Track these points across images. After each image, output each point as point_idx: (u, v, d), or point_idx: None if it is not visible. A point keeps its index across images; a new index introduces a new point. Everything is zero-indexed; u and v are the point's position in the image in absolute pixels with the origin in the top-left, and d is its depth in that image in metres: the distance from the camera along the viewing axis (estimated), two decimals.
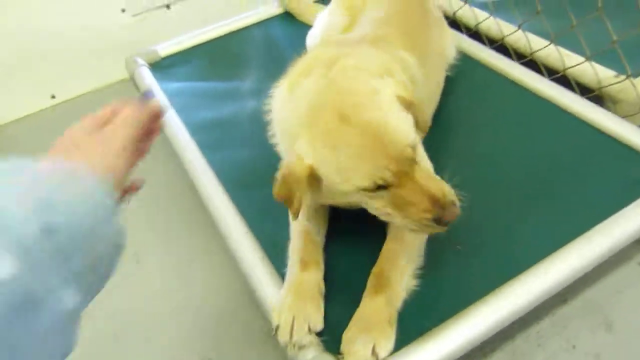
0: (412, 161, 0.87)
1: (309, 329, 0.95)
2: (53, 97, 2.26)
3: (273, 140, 1.14)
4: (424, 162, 0.93)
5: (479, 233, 1.16)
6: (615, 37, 1.35)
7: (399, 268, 1.03)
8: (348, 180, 0.87)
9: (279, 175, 0.94)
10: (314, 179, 0.90)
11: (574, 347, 1.16)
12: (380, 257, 1.05)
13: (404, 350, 0.94)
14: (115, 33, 2.21)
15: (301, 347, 0.95)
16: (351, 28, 1.47)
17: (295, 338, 0.94)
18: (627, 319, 1.19)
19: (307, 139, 0.89)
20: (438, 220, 0.86)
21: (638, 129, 1.29)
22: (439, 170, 1.00)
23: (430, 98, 1.38)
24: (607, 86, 1.44)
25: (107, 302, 1.37)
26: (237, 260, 1.20)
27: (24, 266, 0.42)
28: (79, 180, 0.53)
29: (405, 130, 0.87)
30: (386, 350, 0.93)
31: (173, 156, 1.59)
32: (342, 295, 1.03)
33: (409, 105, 0.91)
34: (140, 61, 1.94)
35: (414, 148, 0.87)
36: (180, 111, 1.66)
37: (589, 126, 1.34)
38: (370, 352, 0.92)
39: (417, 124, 0.93)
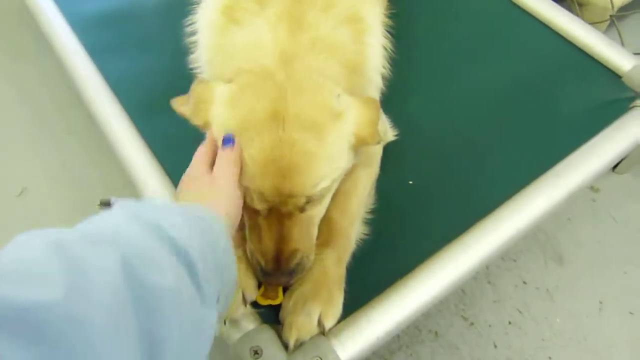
0: (296, 208, 0.74)
1: (243, 300, 0.78)
2: None
3: (195, 65, 0.95)
4: (320, 213, 0.79)
5: (432, 165, 1.01)
6: None
7: (351, 214, 0.87)
8: None
9: (191, 91, 0.80)
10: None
11: (524, 282, 1.10)
12: (330, 201, 0.86)
13: (351, 319, 0.80)
14: None
15: (233, 322, 0.78)
16: None
17: (226, 312, 0.76)
18: (577, 251, 1.14)
19: (228, 99, 0.76)
20: (264, 272, 0.75)
21: (609, 41, 1.14)
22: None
23: None
24: None
25: None
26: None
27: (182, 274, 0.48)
28: (214, 226, 0.60)
29: (318, 178, 0.73)
30: (334, 319, 0.78)
31: (52, 59, 1.25)
32: None
33: (362, 143, 0.77)
34: None
35: (310, 200, 0.74)
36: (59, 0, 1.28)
37: (558, 35, 1.17)
38: (316, 322, 0.77)
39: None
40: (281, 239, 0.73)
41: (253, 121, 0.72)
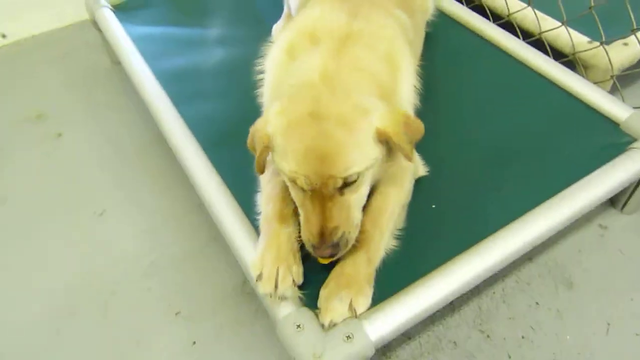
0: (335, 190, 0.90)
1: (293, 281, 0.95)
2: (4, 36, 2.10)
3: (260, 100, 1.12)
4: (358, 200, 0.96)
5: (452, 193, 1.19)
6: (592, 3, 1.36)
7: (381, 227, 1.03)
8: (282, 161, 0.92)
9: (252, 127, 0.99)
10: (269, 145, 0.95)
11: (537, 303, 1.22)
12: (364, 212, 1.03)
13: (380, 305, 0.96)
14: None
15: (283, 298, 0.95)
16: None
17: (280, 289, 0.94)
18: (587, 278, 1.26)
19: (279, 110, 0.94)
20: (313, 246, 0.92)
21: (608, 95, 1.33)
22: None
23: (416, 56, 1.37)
24: (580, 52, 1.46)
25: (65, 266, 1.36)
26: (212, 215, 1.18)
27: None
28: None
29: (349, 163, 0.90)
30: (364, 307, 0.95)
31: (139, 105, 1.52)
32: None
33: (385, 138, 0.93)
34: (103, 1, 1.82)
35: (346, 180, 0.90)
36: (149, 58, 1.58)
37: (562, 91, 1.37)
38: (347, 308, 0.93)
39: (401, 150, 0.94)
40: (324, 218, 0.90)
41: (297, 120, 0.90)
